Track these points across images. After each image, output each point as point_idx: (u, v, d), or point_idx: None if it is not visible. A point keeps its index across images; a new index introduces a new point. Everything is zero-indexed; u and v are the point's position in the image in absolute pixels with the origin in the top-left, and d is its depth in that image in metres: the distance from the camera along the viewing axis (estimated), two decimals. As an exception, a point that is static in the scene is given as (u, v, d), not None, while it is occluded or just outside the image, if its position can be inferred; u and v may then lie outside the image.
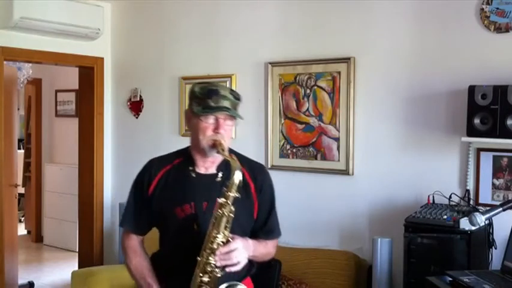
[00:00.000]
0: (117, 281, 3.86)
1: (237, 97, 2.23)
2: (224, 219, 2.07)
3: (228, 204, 2.07)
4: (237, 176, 2.08)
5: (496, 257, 3.06)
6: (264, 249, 2.31)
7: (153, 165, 2.33)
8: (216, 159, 2.25)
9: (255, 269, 2.36)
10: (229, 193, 2.08)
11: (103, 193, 5.19)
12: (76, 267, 5.11)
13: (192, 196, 2.22)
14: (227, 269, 2.07)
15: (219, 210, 2.07)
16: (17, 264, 5.47)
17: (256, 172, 2.33)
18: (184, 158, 2.31)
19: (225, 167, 2.24)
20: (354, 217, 3.76)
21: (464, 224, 2.85)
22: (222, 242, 2.06)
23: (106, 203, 5.20)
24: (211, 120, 2.18)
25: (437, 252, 2.94)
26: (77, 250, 5.59)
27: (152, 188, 2.28)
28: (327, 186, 3.89)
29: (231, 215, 2.08)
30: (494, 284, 2.50)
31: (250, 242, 2.19)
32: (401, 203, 3.52)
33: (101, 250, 5.18)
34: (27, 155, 8.47)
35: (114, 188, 5.21)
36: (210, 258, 2.06)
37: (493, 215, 2.47)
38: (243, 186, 2.22)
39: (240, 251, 2.08)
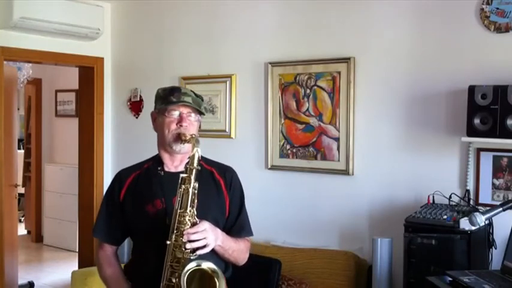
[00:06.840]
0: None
1: (198, 96, 2.33)
2: (189, 197, 2.10)
3: (191, 179, 2.11)
4: (197, 151, 2.14)
5: (496, 257, 3.06)
6: (235, 244, 2.31)
7: (122, 175, 2.41)
8: (184, 157, 2.29)
9: (230, 273, 2.36)
10: (190, 166, 2.11)
11: (103, 193, 5.15)
12: (76, 267, 5.11)
13: (162, 192, 2.27)
14: (197, 252, 2.07)
15: (183, 186, 2.11)
16: (17, 264, 5.47)
17: (225, 170, 2.40)
18: (154, 162, 2.38)
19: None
20: (354, 217, 3.76)
21: (464, 224, 2.85)
22: (189, 220, 2.08)
23: (106, 203, 5.20)
24: (175, 115, 2.27)
25: (437, 252, 2.93)
26: (77, 250, 5.59)
27: (123, 193, 2.34)
28: (327, 186, 3.89)
29: (195, 191, 2.11)
30: (494, 284, 2.50)
31: (219, 231, 2.21)
32: (401, 203, 3.52)
33: (101, 250, 5.17)
34: (27, 155, 8.47)
35: (114, 188, 5.20)
36: (179, 239, 2.07)
37: (493, 215, 2.48)
38: (214, 184, 2.32)
39: (208, 232, 2.10)
